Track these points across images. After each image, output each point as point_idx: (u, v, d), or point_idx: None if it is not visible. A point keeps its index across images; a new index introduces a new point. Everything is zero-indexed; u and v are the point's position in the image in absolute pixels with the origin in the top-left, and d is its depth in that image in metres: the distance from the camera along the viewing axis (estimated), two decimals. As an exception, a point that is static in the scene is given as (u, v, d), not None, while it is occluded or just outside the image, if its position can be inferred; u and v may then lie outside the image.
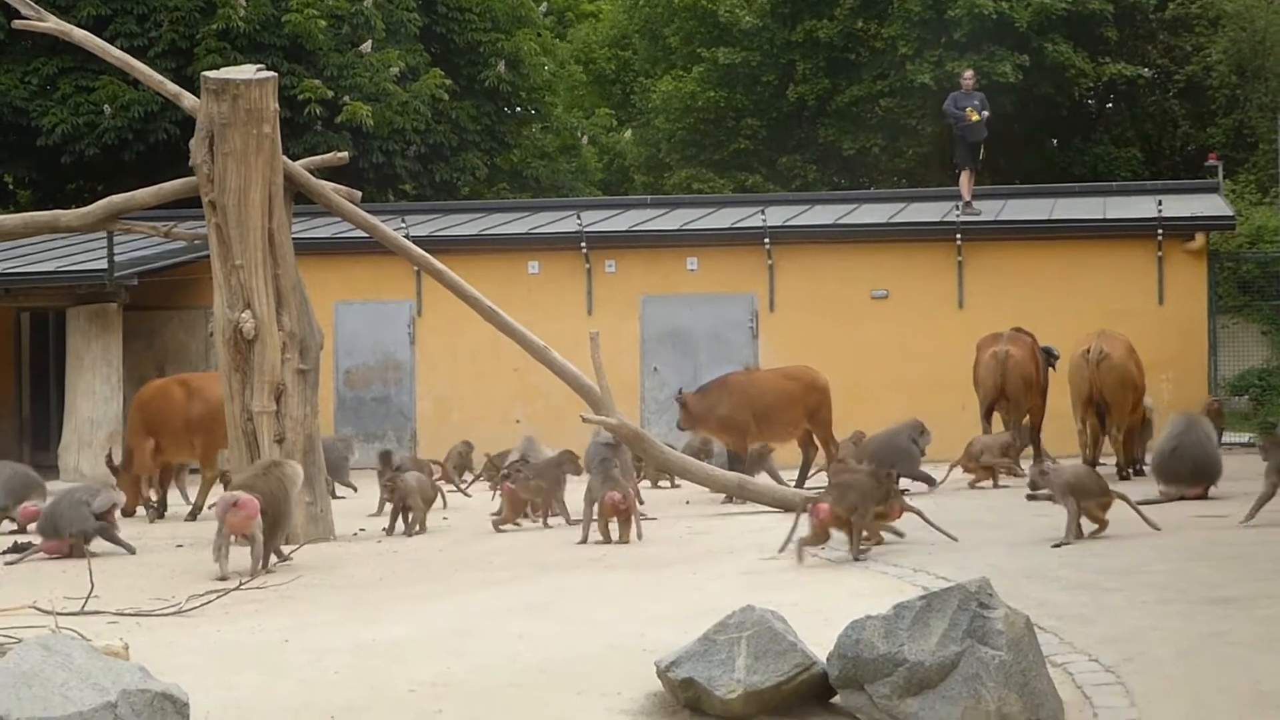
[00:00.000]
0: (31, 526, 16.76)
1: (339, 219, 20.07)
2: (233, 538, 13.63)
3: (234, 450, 16.78)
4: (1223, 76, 39.74)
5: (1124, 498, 14.13)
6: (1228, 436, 22.08)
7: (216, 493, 19.71)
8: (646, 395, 25.96)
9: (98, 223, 18.07)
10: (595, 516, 15.32)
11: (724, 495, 18.24)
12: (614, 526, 15.19)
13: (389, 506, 17.11)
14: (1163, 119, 43.38)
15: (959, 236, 25.52)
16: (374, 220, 18.31)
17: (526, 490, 16.70)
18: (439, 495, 17.91)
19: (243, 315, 16.42)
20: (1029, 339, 21.37)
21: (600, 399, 17.64)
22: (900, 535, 13.85)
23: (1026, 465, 17.54)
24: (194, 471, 20.15)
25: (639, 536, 15.11)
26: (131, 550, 15.29)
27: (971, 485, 19.12)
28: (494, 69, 36.75)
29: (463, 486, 21.59)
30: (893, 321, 25.56)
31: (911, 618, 7.66)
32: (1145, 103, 43.26)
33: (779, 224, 26.51)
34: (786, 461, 20.61)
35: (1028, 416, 21.22)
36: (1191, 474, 16.58)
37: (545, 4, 43.09)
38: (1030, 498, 14.38)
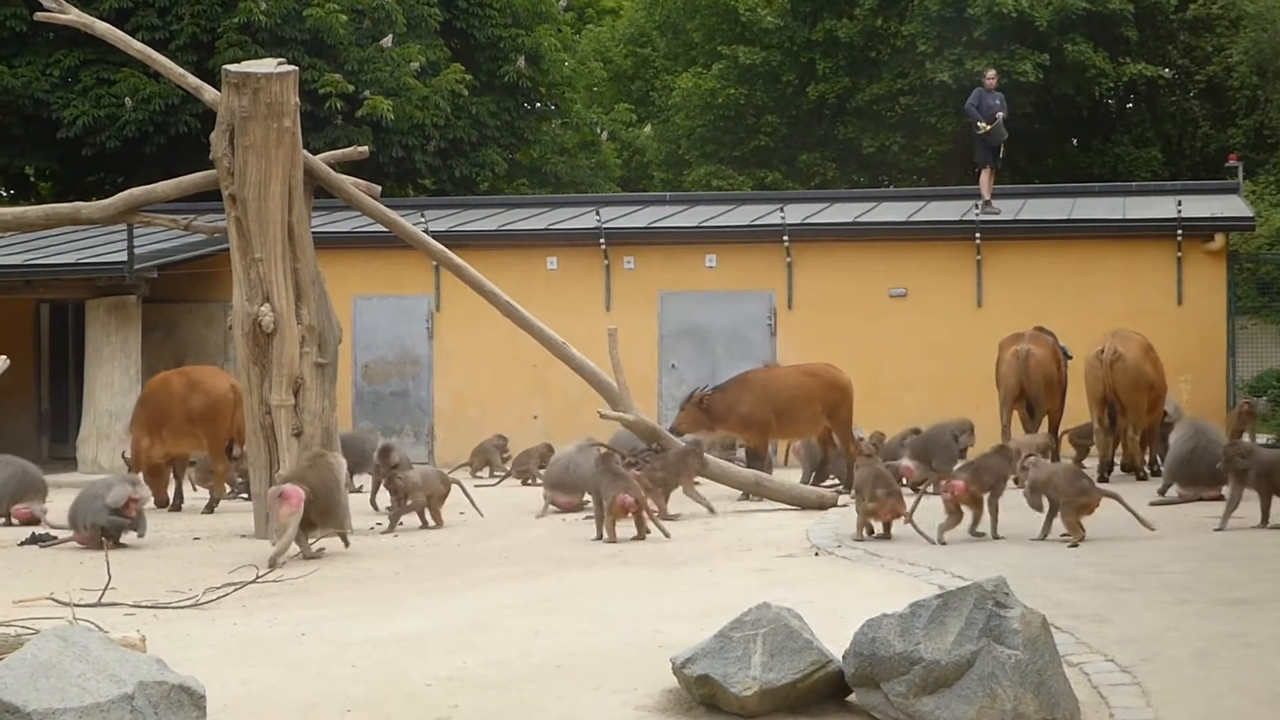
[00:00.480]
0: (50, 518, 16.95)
1: (358, 213, 20.11)
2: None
3: (252, 443, 16.81)
4: (1243, 77, 39.65)
5: (1116, 496, 14.09)
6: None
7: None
8: (664, 392, 25.93)
9: (118, 215, 18.10)
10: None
11: (740, 493, 18.25)
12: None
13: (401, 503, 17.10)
14: (1183, 120, 43.29)
15: (978, 235, 25.47)
16: (393, 215, 18.32)
17: (652, 479, 16.70)
18: (450, 489, 17.66)
19: (262, 308, 16.45)
20: (1050, 338, 21.33)
21: (618, 395, 17.65)
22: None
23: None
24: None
25: (666, 535, 15.14)
26: (139, 533, 15.47)
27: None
28: (514, 64, 36.75)
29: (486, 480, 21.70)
30: (911, 320, 25.51)
31: (928, 616, 7.66)
32: (1166, 103, 43.18)
33: (798, 222, 26.48)
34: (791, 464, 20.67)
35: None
36: (1211, 475, 16.54)
37: (565, 0, 43.08)
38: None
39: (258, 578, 12.52)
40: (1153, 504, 16.17)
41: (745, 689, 7.72)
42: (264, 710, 8.06)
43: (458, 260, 18.04)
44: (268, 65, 16.93)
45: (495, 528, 16.51)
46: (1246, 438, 22.37)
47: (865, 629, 7.73)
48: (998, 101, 26.32)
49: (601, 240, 26.34)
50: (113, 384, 24.90)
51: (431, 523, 16.69)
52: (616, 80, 49.44)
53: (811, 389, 20.50)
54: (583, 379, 18.12)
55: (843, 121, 41.75)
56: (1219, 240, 25.12)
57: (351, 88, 32.73)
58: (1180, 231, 24.88)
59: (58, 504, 17.84)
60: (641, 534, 15.10)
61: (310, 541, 14.45)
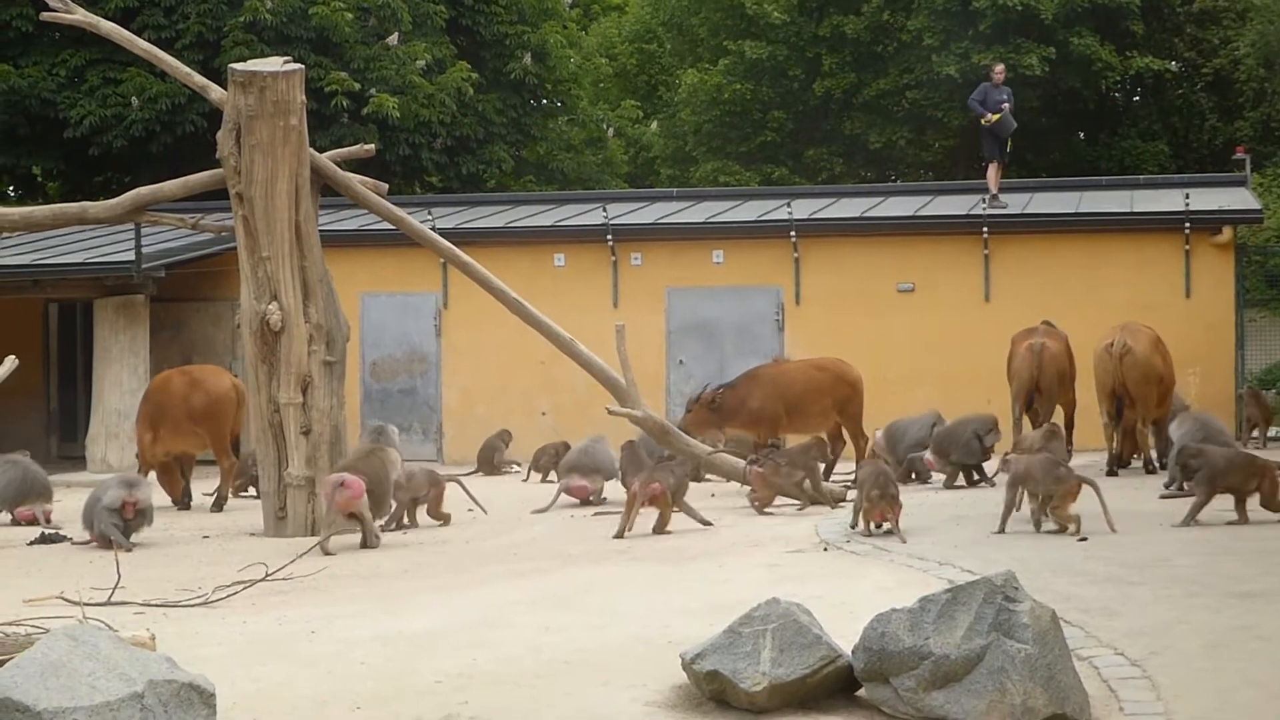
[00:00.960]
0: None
1: (365, 211, 20.14)
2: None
3: (260, 442, 16.83)
4: (1250, 70, 39.59)
5: (1091, 483, 14.03)
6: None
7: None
8: (672, 388, 25.93)
9: (125, 214, 18.13)
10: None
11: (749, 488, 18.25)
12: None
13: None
14: (1190, 112, 43.25)
15: (985, 229, 25.45)
16: (400, 212, 18.34)
17: (776, 474, 16.72)
18: (444, 487, 17.54)
19: (269, 307, 16.47)
20: (1062, 334, 21.30)
21: (626, 391, 17.65)
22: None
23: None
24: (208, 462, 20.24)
25: (704, 522, 15.28)
26: (127, 548, 15.12)
27: None
28: (520, 61, 36.72)
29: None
30: (919, 314, 25.49)
31: (937, 611, 7.66)
32: (1173, 96, 43.13)
33: (805, 217, 26.47)
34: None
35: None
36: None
37: (571, -4, 43.13)
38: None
39: (267, 576, 12.53)
40: (1162, 496, 16.17)
41: (755, 684, 7.72)
42: (274, 708, 8.07)
43: (465, 257, 18.05)
44: (274, 64, 16.96)
45: (503, 525, 16.52)
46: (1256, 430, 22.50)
47: (874, 624, 7.74)
48: (1004, 96, 26.29)
49: (609, 236, 26.34)
50: (121, 383, 24.93)
51: (409, 525, 16.52)
52: (622, 76, 49.45)
53: (822, 383, 20.51)
54: (591, 375, 18.12)
55: (849, 116, 41.73)
56: (1227, 233, 25.09)
57: (357, 86, 32.72)
58: (1188, 225, 24.85)
59: (67, 504, 17.90)
60: (663, 524, 15.25)
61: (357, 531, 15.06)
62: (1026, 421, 20.75)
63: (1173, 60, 42.35)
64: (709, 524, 15.29)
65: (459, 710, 7.91)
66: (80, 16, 18.15)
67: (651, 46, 48.91)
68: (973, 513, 14.98)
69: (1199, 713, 7.60)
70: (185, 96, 31.28)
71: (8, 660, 7.34)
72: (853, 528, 14.21)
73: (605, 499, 18.28)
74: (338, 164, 17.82)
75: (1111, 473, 19.13)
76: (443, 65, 34.99)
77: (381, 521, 15.70)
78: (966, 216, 25.99)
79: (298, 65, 17.04)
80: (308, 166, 16.83)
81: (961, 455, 18.46)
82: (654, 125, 46.04)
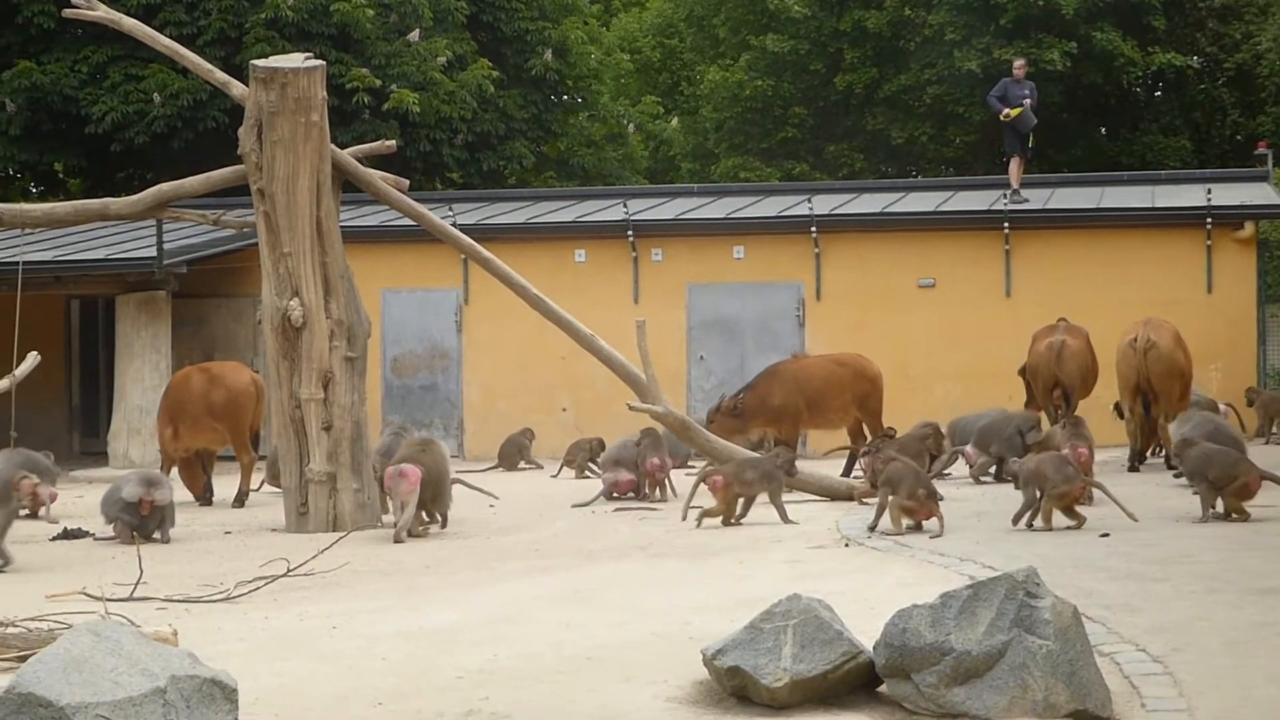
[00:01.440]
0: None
1: (386, 207, 20.16)
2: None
3: (281, 438, 16.85)
4: (1272, 64, 39.45)
5: (1100, 486, 14.04)
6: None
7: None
8: (693, 384, 25.95)
9: (147, 210, 18.16)
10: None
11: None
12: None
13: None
14: (1212, 108, 43.11)
15: (1006, 225, 25.44)
16: (421, 208, 18.36)
17: (884, 464, 16.76)
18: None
19: (291, 303, 16.49)
20: (1082, 330, 21.26)
21: (646, 387, 17.65)
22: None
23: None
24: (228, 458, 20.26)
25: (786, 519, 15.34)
26: (162, 535, 15.37)
27: None
28: (541, 57, 36.73)
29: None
30: (940, 310, 25.49)
31: (958, 607, 7.65)
32: (1194, 91, 43.00)
33: (826, 212, 26.46)
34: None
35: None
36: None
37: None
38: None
39: (289, 571, 12.55)
40: (1195, 492, 16.17)
41: (776, 680, 7.71)
42: (295, 703, 8.08)
43: (486, 253, 18.06)
44: (295, 60, 16.99)
45: (524, 521, 16.54)
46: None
47: (896, 620, 7.73)
48: (1026, 91, 26.24)
49: (629, 232, 26.35)
50: (143, 379, 24.99)
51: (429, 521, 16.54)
52: (643, 72, 49.41)
53: (842, 378, 20.54)
54: (611, 371, 18.13)
55: (871, 112, 41.66)
56: (1249, 228, 25.07)
57: (379, 82, 32.76)
58: (1210, 220, 24.83)
59: (89, 499, 17.93)
60: (665, 495, 17.53)
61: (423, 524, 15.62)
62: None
63: (1194, 55, 42.22)
64: (791, 521, 15.17)
65: (480, 706, 7.91)
66: (102, 13, 18.18)
67: (673, 42, 48.87)
68: (994, 509, 14.96)
69: (1221, 709, 7.57)
70: (207, 93, 31.32)
71: (31, 655, 7.36)
72: (871, 529, 14.07)
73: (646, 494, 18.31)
74: (359, 160, 17.82)
75: (1133, 468, 19.10)
76: (464, 61, 35.02)
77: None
78: (987, 212, 25.99)
79: (319, 61, 17.07)
80: (329, 162, 16.84)
81: (1002, 449, 18.46)
82: (674, 121, 46.01)
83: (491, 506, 17.17)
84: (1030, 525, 13.75)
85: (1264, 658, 8.48)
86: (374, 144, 19.23)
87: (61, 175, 38.27)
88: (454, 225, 20.07)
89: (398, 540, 14.80)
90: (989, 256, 25.51)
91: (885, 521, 13.98)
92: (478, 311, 26.54)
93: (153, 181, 22.37)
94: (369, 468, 16.95)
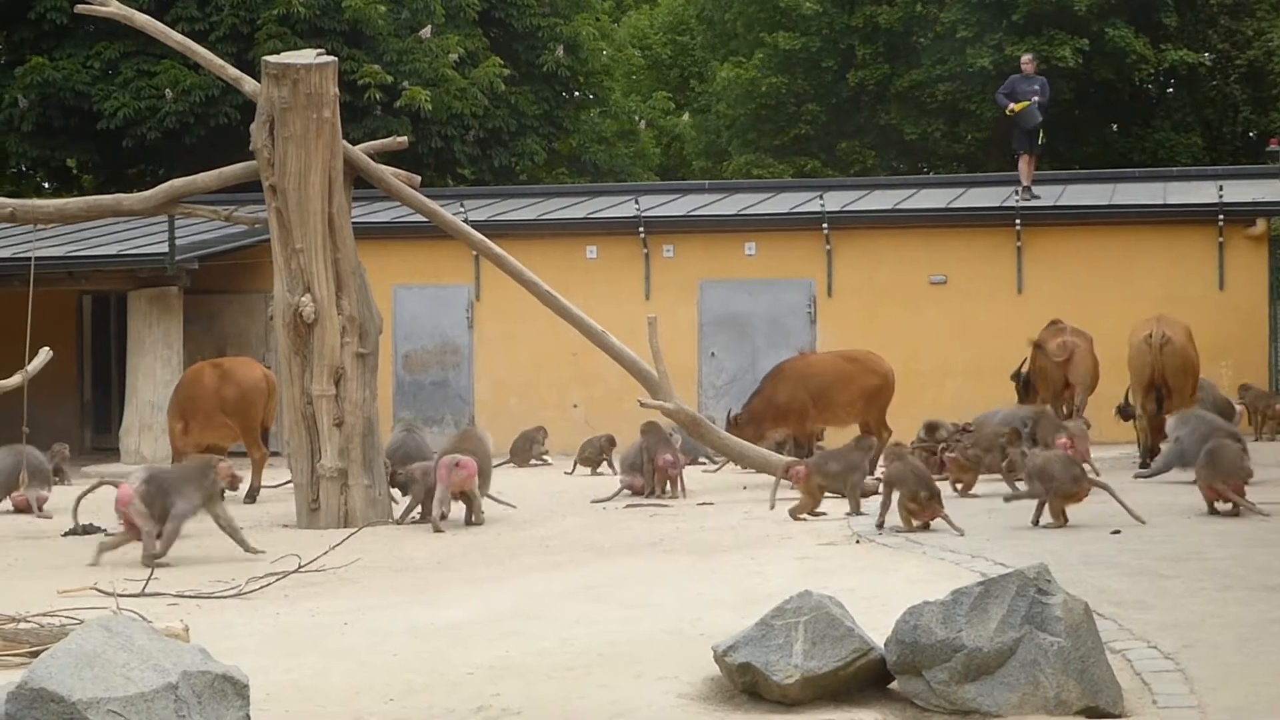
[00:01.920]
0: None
1: (398, 203, 20.17)
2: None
3: (293, 433, 16.87)
4: (1284, 61, 39.43)
5: (1105, 486, 14.02)
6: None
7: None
8: (704, 380, 25.95)
9: (159, 206, 18.20)
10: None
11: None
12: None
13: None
14: (1224, 104, 43.00)
15: (1018, 221, 25.41)
16: (433, 205, 18.37)
17: (965, 458, 16.78)
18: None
19: (302, 299, 16.52)
20: (1087, 334, 21.23)
21: (658, 383, 17.67)
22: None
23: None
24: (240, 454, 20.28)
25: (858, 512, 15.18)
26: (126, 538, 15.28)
27: None
28: (552, 53, 36.73)
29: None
30: (951, 307, 25.47)
31: (970, 604, 7.65)
32: (1206, 88, 42.90)
33: (837, 209, 26.45)
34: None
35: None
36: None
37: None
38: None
39: (300, 567, 12.57)
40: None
41: (787, 677, 7.71)
42: (307, 699, 8.09)
43: (497, 250, 18.08)
44: (307, 56, 17.00)
45: (535, 517, 16.55)
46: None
47: (907, 616, 7.73)
48: (1036, 87, 26.15)
49: (641, 229, 26.34)
50: (154, 375, 25.01)
51: (426, 516, 16.41)
52: (655, 68, 49.39)
53: (849, 373, 20.50)
54: (623, 368, 18.14)
55: (883, 108, 41.62)
56: (1260, 225, 25.03)
57: (390, 78, 32.78)
58: (1221, 216, 24.79)
59: (100, 494, 17.92)
60: (677, 492, 17.76)
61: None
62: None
63: (1206, 52, 42.13)
64: (862, 513, 14.99)
65: (491, 701, 7.92)
66: (115, 9, 18.21)
67: (684, 38, 48.86)
68: (1005, 506, 14.95)
69: (1232, 706, 7.57)
70: (219, 89, 31.36)
71: (43, 651, 7.37)
72: (879, 529, 14.01)
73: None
74: (370, 156, 17.85)
75: (1144, 464, 19.07)
76: (475, 58, 35.02)
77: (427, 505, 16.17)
78: (999, 209, 25.96)
79: (331, 58, 17.08)
80: (340, 159, 16.86)
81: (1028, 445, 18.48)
82: (685, 117, 45.99)
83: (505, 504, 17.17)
84: (1035, 522, 13.73)
85: (1275, 654, 8.47)
86: (385, 140, 19.27)
87: (74, 171, 38.32)
88: (465, 221, 20.09)
89: (479, 521, 15.97)
90: (1001, 253, 25.48)
91: (895, 519, 13.96)
92: (489, 308, 26.55)
93: (165, 177, 22.41)
94: (380, 464, 16.98)
